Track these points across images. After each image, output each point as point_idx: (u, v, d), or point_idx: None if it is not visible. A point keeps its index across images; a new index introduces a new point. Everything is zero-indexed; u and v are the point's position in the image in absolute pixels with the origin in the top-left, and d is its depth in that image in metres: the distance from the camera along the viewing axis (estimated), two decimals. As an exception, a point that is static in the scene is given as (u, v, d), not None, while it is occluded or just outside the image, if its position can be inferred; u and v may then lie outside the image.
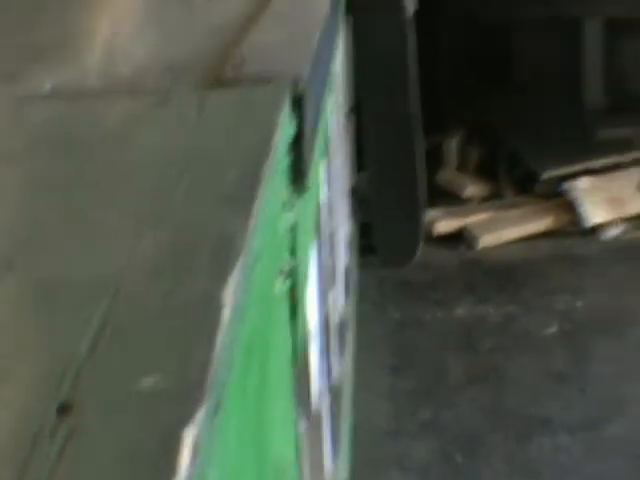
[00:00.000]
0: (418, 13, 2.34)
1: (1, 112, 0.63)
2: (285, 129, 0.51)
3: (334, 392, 1.17)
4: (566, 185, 2.64)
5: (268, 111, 0.52)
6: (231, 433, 0.32)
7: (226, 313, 0.28)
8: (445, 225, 2.60)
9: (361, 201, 2.21)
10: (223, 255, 0.33)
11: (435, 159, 2.76)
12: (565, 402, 1.98)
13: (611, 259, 2.54)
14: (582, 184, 2.64)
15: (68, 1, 1.23)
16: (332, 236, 1.35)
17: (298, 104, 0.55)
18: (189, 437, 0.21)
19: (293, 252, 0.56)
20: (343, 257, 1.72)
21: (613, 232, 2.61)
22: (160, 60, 0.77)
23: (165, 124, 0.56)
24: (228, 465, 0.31)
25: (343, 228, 1.76)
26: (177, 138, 0.53)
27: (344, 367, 1.50)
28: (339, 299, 1.52)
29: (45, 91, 0.70)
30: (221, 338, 0.27)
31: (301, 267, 0.63)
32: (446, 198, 2.77)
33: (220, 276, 0.31)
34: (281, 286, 0.50)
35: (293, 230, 0.56)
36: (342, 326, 1.56)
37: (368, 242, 2.25)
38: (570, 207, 2.63)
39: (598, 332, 2.15)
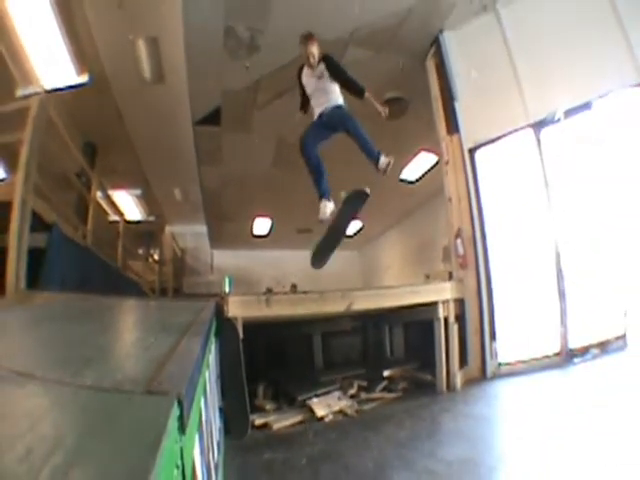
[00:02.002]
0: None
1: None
2: (174, 416, 0.66)
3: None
4: (308, 400, 4.81)
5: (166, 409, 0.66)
6: None
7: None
8: (258, 421, 4.47)
9: (221, 410, 3.20)
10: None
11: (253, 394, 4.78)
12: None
13: (327, 430, 4.26)
14: (315, 400, 4.84)
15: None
16: (211, 426, 1.79)
17: (180, 403, 0.71)
18: None
19: (182, 453, 0.72)
20: (216, 434, 2.23)
21: (330, 416, 4.62)
22: (122, 373, 0.94)
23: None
24: None
25: (216, 423, 2.29)
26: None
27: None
28: (215, 456, 1.87)
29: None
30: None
31: (188, 457, 0.82)
32: (258, 411, 4.70)
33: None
34: (177, 469, 0.67)
35: (182, 447, 0.72)
36: (217, 466, 1.93)
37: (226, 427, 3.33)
38: (310, 409, 4.70)
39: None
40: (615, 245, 5.82)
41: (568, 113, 5.85)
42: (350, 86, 4.77)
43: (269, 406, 4.87)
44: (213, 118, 8.37)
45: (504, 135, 6.22)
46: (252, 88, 7.65)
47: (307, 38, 4.76)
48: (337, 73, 4.75)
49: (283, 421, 4.54)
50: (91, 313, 2.30)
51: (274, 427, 4.42)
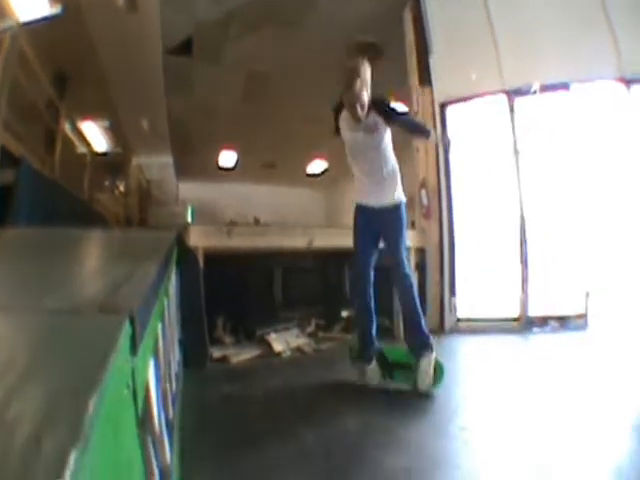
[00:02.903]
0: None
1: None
2: (125, 334, 0.64)
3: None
4: (267, 335, 4.88)
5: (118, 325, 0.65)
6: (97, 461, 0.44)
7: (92, 402, 0.42)
8: (217, 354, 4.45)
9: (181, 343, 3.17)
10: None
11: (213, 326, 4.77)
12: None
13: (285, 366, 4.37)
14: (273, 335, 4.90)
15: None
16: (169, 355, 1.82)
17: (133, 322, 0.70)
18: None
19: (134, 374, 0.71)
20: (175, 365, 2.28)
21: (288, 353, 4.71)
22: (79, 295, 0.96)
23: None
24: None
25: (174, 354, 2.35)
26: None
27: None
28: (173, 387, 1.92)
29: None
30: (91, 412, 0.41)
31: (140, 380, 0.79)
32: (216, 344, 4.71)
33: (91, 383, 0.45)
34: (128, 389, 0.66)
35: (133, 367, 0.70)
36: (174, 397, 1.94)
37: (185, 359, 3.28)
38: (269, 344, 4.76)
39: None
40: (583, 225, 5.88)
41: (545, 88, 5.86)
42: (415, 134, 3.90)
43: (228, 339, 4.90)
44: (184, 49, 8.08)
45: (477, 96, 6.18)
46: (225, 20, 7.35)
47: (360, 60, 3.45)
48: (395, 122, 3.41)
49: (241, 355, 4.56)
50: (55, 245, 2.23)
51: (232, 361, 4.42)
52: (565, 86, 5.87)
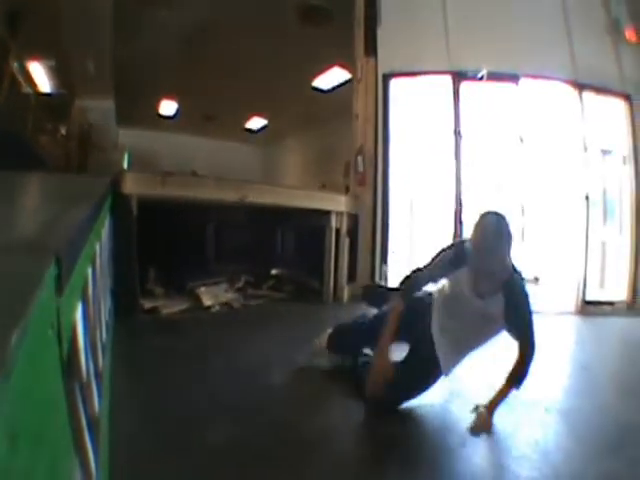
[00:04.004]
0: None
1: None
2: (50, 274, 0.62)
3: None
4: (197, 289, 4.87)
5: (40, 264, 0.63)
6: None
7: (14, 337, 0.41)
8: (148, 304, 4.35)
9: (112, 292, 3.07)
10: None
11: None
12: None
13: (213, 320, 4.41)
14: (203, 289, 4.90)
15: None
16: (99, 301, 1.72)
17: (59, 262, 0.67)
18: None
19: (59, 315, 0.68)
20: (105, 313, 2.19)
21: (216, 307, 4.70)
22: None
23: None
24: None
25: (105, 301, 2.28)
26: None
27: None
28: (103, 334, 1.85)
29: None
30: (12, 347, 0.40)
31: (66, 322, 0.76)
32: (147, 295, 4.61)
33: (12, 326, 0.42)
34: (52, 329, 0.63)
35: (58, 307, 0.67)
36: (104, 346, 1.86)
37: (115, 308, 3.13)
38: (198, 298, 4.75)
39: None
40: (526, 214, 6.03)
41: (493, 77, 5.87)
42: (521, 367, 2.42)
43: (159, 291, 4.82)
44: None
45: (423, 73, 6.16)
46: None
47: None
48: (513, 332, 2.45)
49: (172, 307, 4.53)
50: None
51: (163, 312, 4.40)
52: (515, 78, 5.91)
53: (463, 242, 2.48)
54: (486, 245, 2.29)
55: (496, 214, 2.36)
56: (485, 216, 2.36)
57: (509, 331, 2.42)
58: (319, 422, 2.34)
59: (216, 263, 5.78)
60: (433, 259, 2.59)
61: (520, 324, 2.37)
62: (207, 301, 4.75)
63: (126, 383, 2.39)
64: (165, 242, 5.01)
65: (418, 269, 2.63)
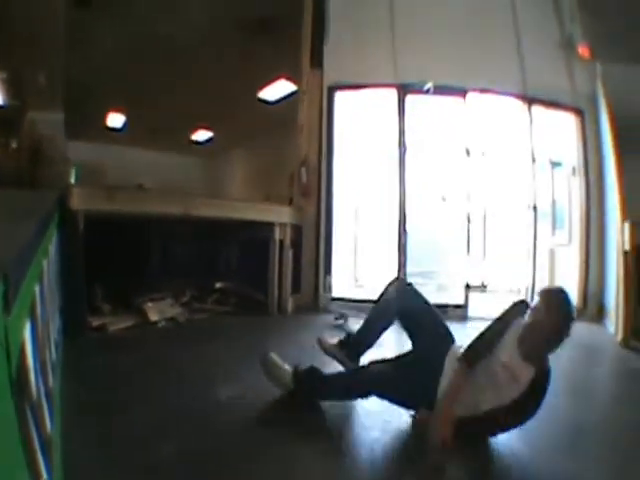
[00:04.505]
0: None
1: None
2: None
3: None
4: (143, 304, 4.75)
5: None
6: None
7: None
8: (95, 322, 4.23)
9: (61, 311, 3.06)
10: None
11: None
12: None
13: (159, 335, 4.41)
14: (149, 305, 4.78)
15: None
16: (48, 319, 1.70)
17: (6, 279, 0.67)
18: None
19: (7, 333, 0.67)
20: (54, 331, 2.18)
21: (162, 322, 4.67)
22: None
23: None
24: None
25: (54, 320, 2.27)
26: None
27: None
28: (52, 353, 1.82)
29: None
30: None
31: (14, 340, 0.75)
32: (95, 312, 4.47)
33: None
34: (0, 348, 0.63)
35: (6, 326, 0.66)
36: (54, 365, 1.85)
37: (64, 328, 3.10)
38: (144, 314, 4.65)
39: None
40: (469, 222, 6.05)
41: (440, 90, 5.92)
42: None
43: (106, 307, 4.70)
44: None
45: (368, 85, 6.24)
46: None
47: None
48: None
49: (119, 323, 4.45)
50: None
51: (110, 329, 4.31)
52: (462, 92, 5.98)
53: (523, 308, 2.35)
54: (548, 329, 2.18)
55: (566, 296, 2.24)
56: (560, 296, 2.24)
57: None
58: (262, 432, 2.37)
59: (162, 278, 5.62)
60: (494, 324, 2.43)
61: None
62: (153, 316, 4.68)
63: (76, 402, 2.31)
64: (112, 258, 4.88)
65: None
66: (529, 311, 2.26)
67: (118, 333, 4.31)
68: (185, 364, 3.47)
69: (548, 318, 2.16)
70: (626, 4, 5.35)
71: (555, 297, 2.23)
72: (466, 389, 2.29)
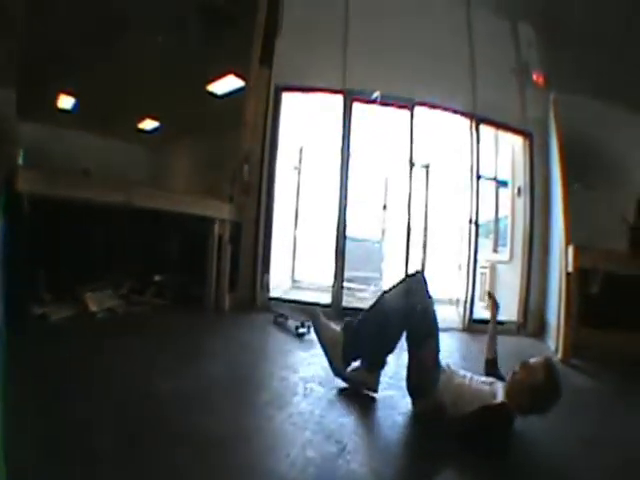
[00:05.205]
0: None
1: None
2: None
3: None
4: (84, 294, 4.89)
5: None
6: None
7: None
8: (37, 311, 4.32)
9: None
10: None
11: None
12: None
13: (97, 326, 4.44)
14: (89, 295, 4.90)
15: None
16: None
17: None
18: None
19: None
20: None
21: (101, 313, 4.76)
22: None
23: None
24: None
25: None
26: None
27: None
28: None
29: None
30: None
31: None
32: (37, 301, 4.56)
33: None
34: None
35: None
36: None
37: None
38: (85, 304, 4.79)
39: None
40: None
41: (387, 100, 6.02)
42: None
43: (48, 296, 4.79)
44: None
45: (315, 89, 6.32)
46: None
47: None
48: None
49: (59, 313, 4.55)
50: None
51: (52, 318, 4.42)
52: (410, 104, 6.06)
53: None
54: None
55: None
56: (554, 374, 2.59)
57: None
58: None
59: (104, 268, 5.68)
60: None
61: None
62: (93, 307, 4.82)
63: (18, 392, 2.41)
64: (56, 245, 4.93)
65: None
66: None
67: (59, 322, 4.41)
68: (122, 355, 3.60)
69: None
70: (584, 37, 5.43)
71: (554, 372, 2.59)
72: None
